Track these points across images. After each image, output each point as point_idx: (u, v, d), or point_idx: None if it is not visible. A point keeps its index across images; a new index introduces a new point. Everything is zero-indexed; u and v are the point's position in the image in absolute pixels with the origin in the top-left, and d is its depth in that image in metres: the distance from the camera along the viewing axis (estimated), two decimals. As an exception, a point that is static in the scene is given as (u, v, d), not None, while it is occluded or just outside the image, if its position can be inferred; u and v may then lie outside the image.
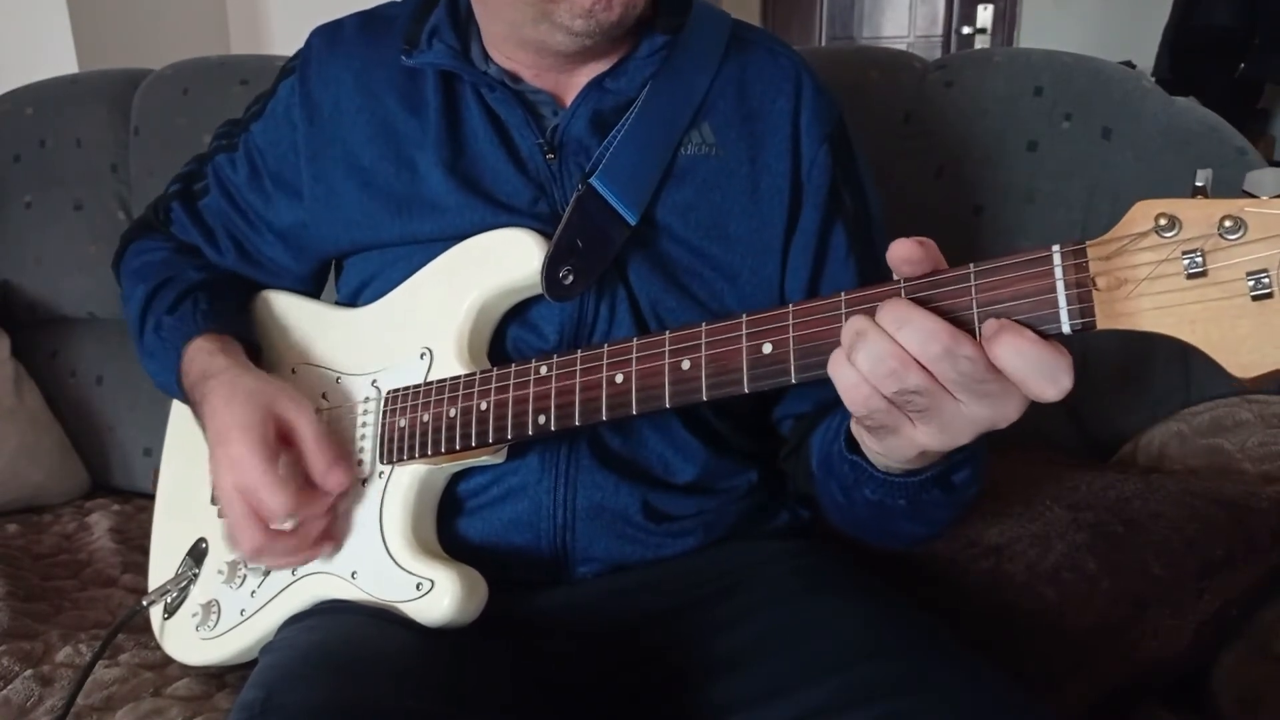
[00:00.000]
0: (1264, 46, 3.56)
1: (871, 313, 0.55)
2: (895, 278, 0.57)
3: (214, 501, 0.94)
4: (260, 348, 0.94)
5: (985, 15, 4.85)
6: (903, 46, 3.90)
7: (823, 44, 5.13)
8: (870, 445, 0.62)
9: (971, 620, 0.88)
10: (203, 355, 0.87)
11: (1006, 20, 4.84)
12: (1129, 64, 1.36)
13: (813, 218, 0.85)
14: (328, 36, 0.93)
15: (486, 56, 0.86)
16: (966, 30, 4.91)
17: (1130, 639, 0.84)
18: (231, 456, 0.78)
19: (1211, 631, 0.85)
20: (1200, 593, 0.84)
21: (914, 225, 1.20)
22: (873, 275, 0.85)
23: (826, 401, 0.80)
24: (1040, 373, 0.51)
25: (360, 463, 0.84)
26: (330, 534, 0.82)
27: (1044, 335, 0.52)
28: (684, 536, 0.84)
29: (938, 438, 0.56)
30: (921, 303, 0.54)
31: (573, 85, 0.85)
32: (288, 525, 0.79)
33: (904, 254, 0.55)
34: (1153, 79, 1.24)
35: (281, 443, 0.80)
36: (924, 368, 0.53)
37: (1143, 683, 0.86)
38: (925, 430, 0.56)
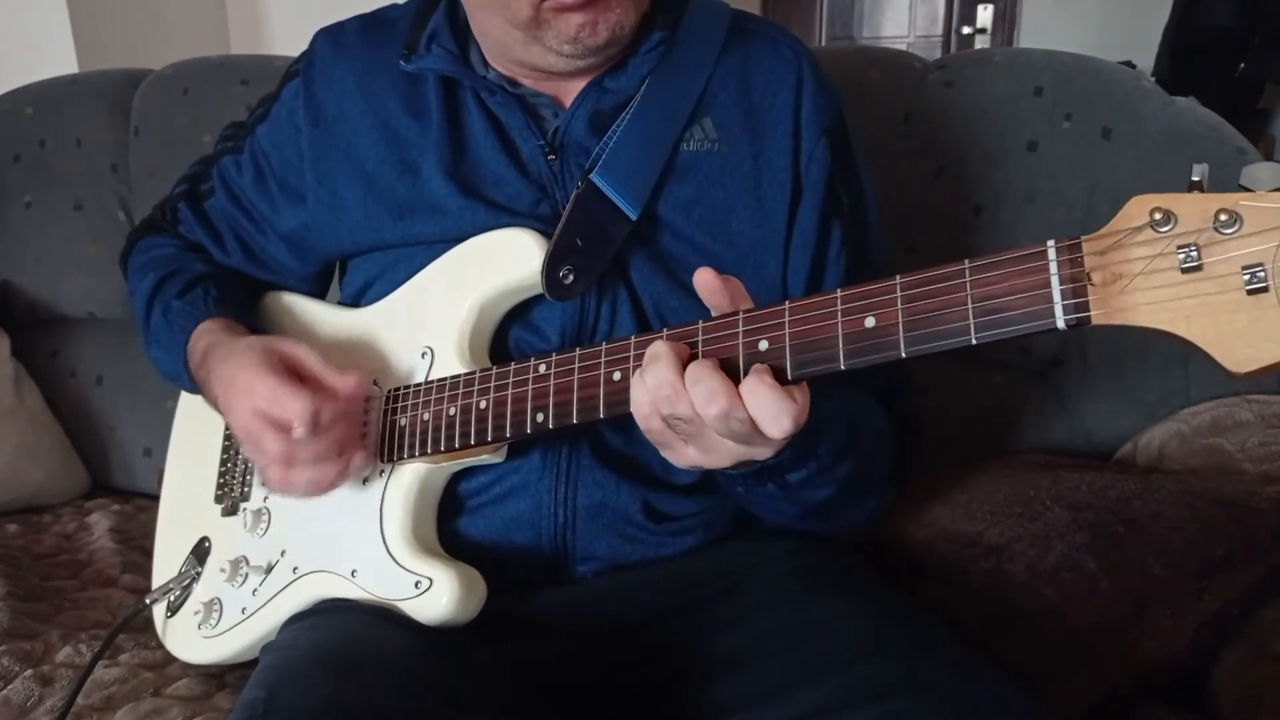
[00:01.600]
0: (1264, 46, 3.56)
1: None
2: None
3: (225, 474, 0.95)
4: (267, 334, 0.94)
5: (985, 15, 4.85)
6: (903, 46, 3.90)
7: (823, 44, 5.12)
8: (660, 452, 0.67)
9: (971, 620, 0.88)
10: (209, 335, 0.88)
11: (1006, 20, 4.83)
12: (1129, 64, 1.36)
13: (811, 214, 0.85)
14: (331, 39, 0.93)
15: (485, 60, 0.86)
16: (966, 30, 4.90)
17: (1130, 639, 0.84)
18: (242, 385, 0.79)
19: (1211, 631, 0.85)
20: (1200, 593, 0.84)
21: (914, 225, 1.22)
22: (861, 273, 0.85)
23: None
24: (768, 414, 0.58)
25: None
26: (354, 444, 0.80)
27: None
28: (684, 536, 0.84)
29: (703, 458, 0.64)
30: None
31: (572, 87, 0.85)
32: (320, 418, 0.76)
33: (705, 281, 0.64)
34: (1153, 79, 1.24)
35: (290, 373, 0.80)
36: (693, 406, 0.60)
37: (1143, 683, 0.86)
38: (693, 449, 0.64)
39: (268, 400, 0.77)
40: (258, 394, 0.78)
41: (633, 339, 0.69)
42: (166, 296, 0.94)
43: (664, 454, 0.67)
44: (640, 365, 0.64)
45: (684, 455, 0.65)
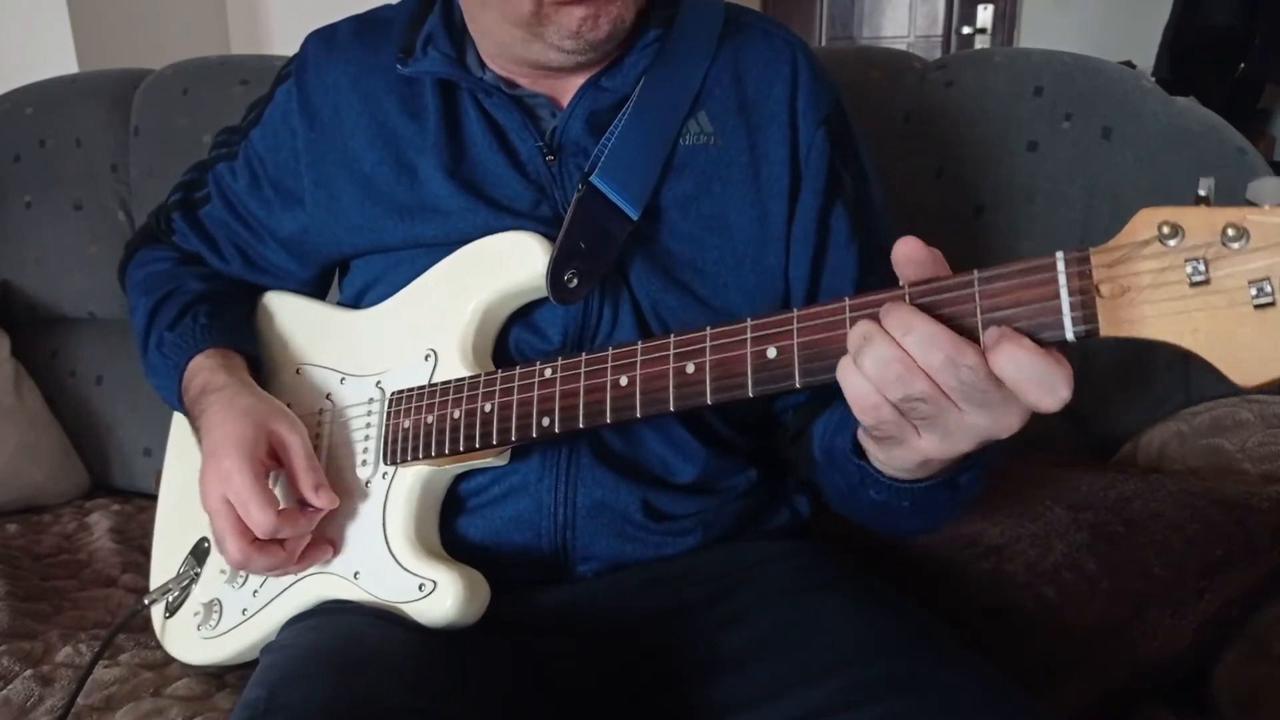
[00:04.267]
0: (1264, 46, 3.56)
1: (877, 319, 0.55)
2: (900, 283, 0.57)
3: None
4: (261, 359, 0.94)
5: (985, 15, 4.84)
6: (903, 46, 3.90)
7: (823, 44, 5.12)
8: (875, 454, 0.63)
9: (971, 620, 0.88)
10: (204, 373, 0.88)
11: (1006, 20, 4.83)
12: (1129, 64, 1.36)
13: (812, 204, 0.84)
14: (323, 41, 0.93)
15: (482, 62, 0.86)
16: (966, 30, 4.90)
17: (1130, 639, 0.84)
18: (222, 470, 0.79)
19: (1212, 631, 0.85)
20: (1200, 593, 0.84)
21: (914, 225, 1.20)
22: (873, 261, 0.85)
23: (827, 391, 0.80)
24: (1038, 383, 0.51)
25: (364, 463, 0.84)
26: (314, 552, 0.82)
27: (1044, 344, 0.51)
28: (684, 536, 0.84)
29: (940, 446, 0.56)
30: (926, 309, 0.54)
31: (569, 87, 0.85)
32: (279, 534, 0.79)
33: (909, 252, 0.56)
34: (1153, 79, 1.24)
35: (273, 460, 0.82)
36: (928, 375, 0.53)
37: (1143, 683, 0.86)
38: (929, 439, 0.56)
39: (237, 499, 0.78)
40: (231, 487, 0.78)
41: (640, 344, 0.68)
42: (160, 327, 0.93)
43: (887, 454, 0.60)
44: (646, 370, 0.64)
45: (916, 450, 0.57)
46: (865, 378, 0.55)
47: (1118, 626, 0.84)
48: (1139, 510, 0.90)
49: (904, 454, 0.59)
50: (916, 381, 0.53)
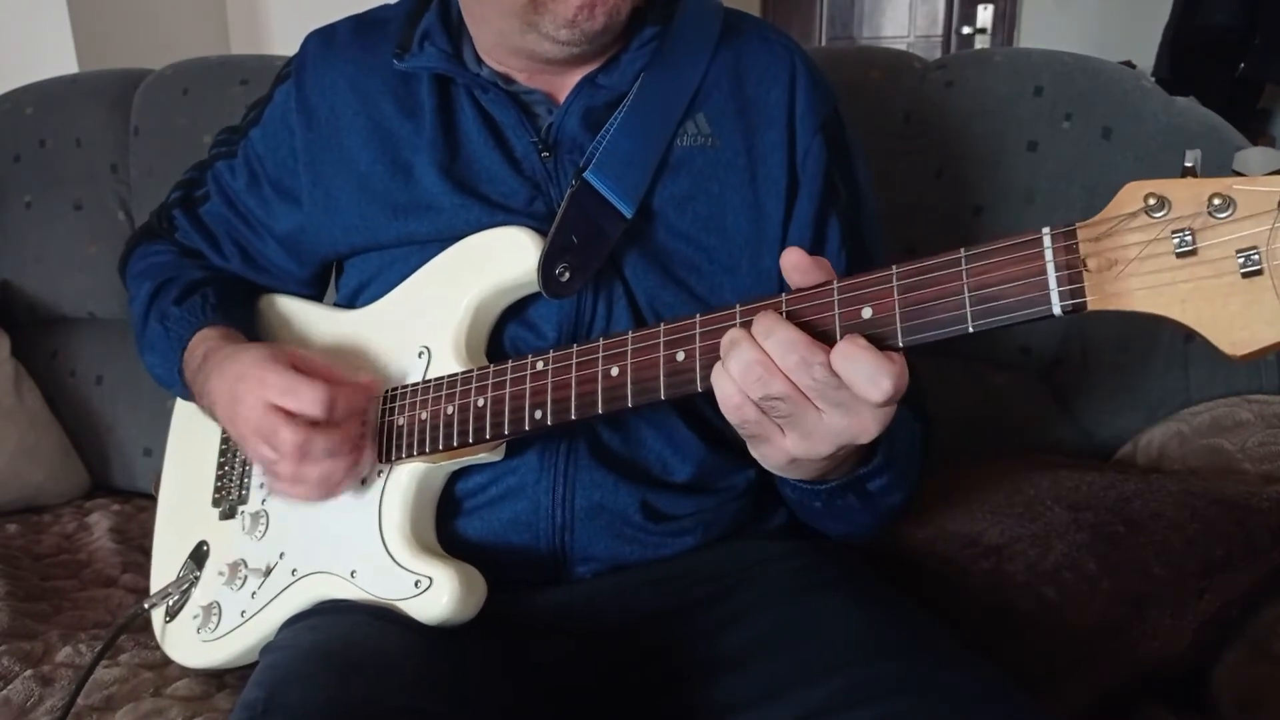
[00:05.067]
0: (1264, 46, 3.56)
1: (747, 325, 0.59)
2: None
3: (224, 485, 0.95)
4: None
5: (985, 15, 4.84)
6: (903, 46, 3.89)
7: (823, 44, 5.12)
8: (753, 452, 0.65)
9: (971, 620, 0.88)
10: (208, 342, 0.88)
11: (1006, 20, 4.83)
12: (1129, 64, 1.36)
13: (808, 208, 0.85)
14: (322, 41, 0.93)
15: (479, 58, 0.86)
16: (966, 30, 4.90)
17: (1130, 639, 0.84)
18: (254, 379, 0.78)
19: (1212, 632, 0.85)
20: (1200, 593, 0.84)
21: (914, 225, 1.22)
22: (862, 267, 0.84)
23: None
24: (865, 377, 0.55)
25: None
26: (364, 440, 0.80)
27: (883, 348, 0.56)
28: (683, 536, 0.84)
29: (802, 446, 0.60)
30: (794, 315, 0.59)
31: (565, 83, 0.85)
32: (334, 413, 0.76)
33: (795, 262, 0.61)
34: (1153, 79, 1.24)
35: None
36: (785, 375, 0.57)
37: (1143, 683, 0.86)
38: (791, 438, 0.60)
39: (280, 390, 0.76)
40: (269, 386, 0.77)
41: (630, 334, 0.68)
42: (164, 303, 0.94)
43: (759, 452, 0.64)
44: (636, 359, 0.64)
45: (781, 448, 0.61)
46: (731, 379, 0.59)
47: (1118, 626, 0.84)
48: (1139, 510, 0.89)
49: (772, 452, 0.62)
50: (775, 381, 0.58)
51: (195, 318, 0.90)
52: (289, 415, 0.76)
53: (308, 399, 0.75)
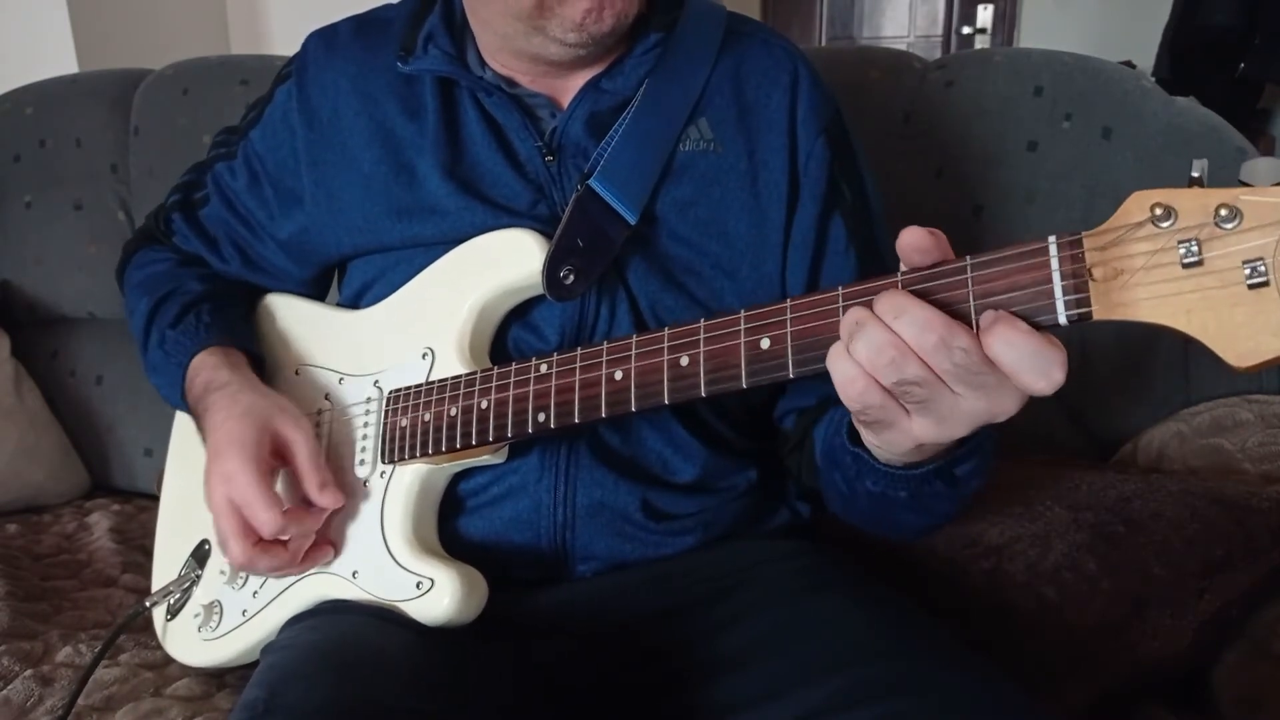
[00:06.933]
0: (1264, 46, 3.55)
1: (869, 305, 0.55)
2: (902, 267, 0.57)
3: None
4: (263, 358, 0.94)
5: (985, 15, 4.85)
6: (903, 46, 3.89)
7: (823, 44, 5.12)
8: (870, 439, 0.63)
9: (971, 620, 0.88)
10: (206, 370, 0.88)
11: (1006, 20, 4.83)
12: (1129, 64, 1.36)
13: (810, 211, 0.85)
14: (323, 41, 0.93)
15: (482, 61, 0.86)
16: (966, 30, 4.90)
17: (1130, 639, 0.84)
18: (226, 470, 0.79)
19: (1212, 631, 0.85)
20: (1200, 593, 0.84)
21: (914, 225, 1.21)
22: (873, 267, 0.85)
23: (830, 395, 0.80)
24: (1031, 365, 0.51)
25: (362, 463, 0.84)
26: (315, 553, 0.82)
27: (1039, 327, 0.52)
28: (683, 535, 0.84)
29: (934, 430, 0.56)
30: (920, 295, 0.54)
31: (569, 87, 0.85)
32: (282, 535, 0.79)
33: (914, 242, 0.55)
34: (1153, 79, 1.24)
35: (277, 459, 0.81)
36: (921, 359, 0.53)
37: (1143, 683, 0.86)
38: (921, 423, 0.56)
39: (241, 500, 0.78)
40: (234, 487, 0.78)
41: (634, 338, 0.69)
42: (162, 325, 0.93)
43: (878, 438, 0.60)
44: (640, 363, 0.64)
45: (907, 433, 0.57)
46: (855, 363, 0.55)
47: (1118, 626, 0.84)
48: (1139, 510, 0.90)
49: (896, 437, 0.58)
50: (910, 365, 0.53)
51: (190, 340, 0.90)
52: (242, 522, 0.78)
53: (261, 519, 0.77)
